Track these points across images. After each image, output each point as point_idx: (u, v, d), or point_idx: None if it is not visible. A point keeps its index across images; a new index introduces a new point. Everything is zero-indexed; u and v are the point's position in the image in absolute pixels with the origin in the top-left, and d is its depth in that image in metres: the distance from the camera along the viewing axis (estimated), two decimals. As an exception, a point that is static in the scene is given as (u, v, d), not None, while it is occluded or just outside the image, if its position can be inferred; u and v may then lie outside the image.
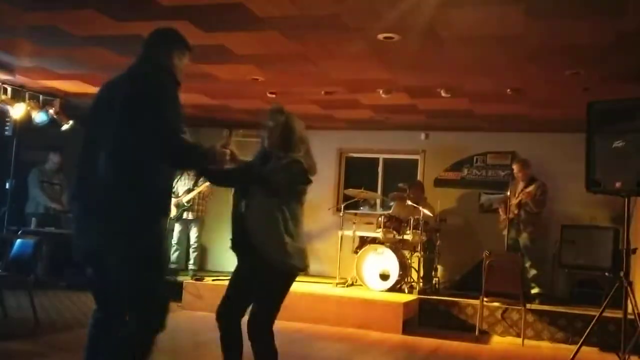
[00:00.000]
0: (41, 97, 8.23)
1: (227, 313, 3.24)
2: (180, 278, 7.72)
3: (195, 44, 5.59)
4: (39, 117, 8.12)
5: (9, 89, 7.85)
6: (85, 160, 2.85)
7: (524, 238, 7.36)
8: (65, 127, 8.43)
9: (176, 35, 3.15)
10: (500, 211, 7.71)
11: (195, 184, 8.07)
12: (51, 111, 8.24)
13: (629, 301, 5.26)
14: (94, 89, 7.70)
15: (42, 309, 6.09)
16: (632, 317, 5.27)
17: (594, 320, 5.43)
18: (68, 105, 8.58)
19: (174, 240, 8.25)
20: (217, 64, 6.27)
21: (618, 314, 5.48)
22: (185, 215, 8.13)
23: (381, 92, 6.94)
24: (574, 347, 5.43)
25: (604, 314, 5.46)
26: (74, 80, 7.35)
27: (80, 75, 7.08)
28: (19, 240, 5.79)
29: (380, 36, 5.01)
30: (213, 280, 7.50)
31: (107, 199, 2.70)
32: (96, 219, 2.75)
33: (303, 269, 3.25)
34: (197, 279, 7.51)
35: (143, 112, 2.72)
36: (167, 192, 2.95)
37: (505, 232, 7.42)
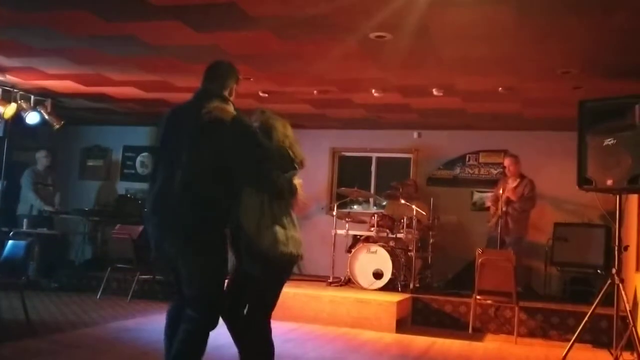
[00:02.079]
0: (32, 97, 8.20)
1: (230, 310, 3.30)
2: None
3: (187, 44, 5.62)
4: (30, 117, 8.09)
5: (0, 90, 7.81)
6: (166, 178, 3.26)
7: (510, 237, 7.39)
8: (57, 127, 8.41)
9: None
10: (491, 208, 7.75)
11: None
12: (43, 111, 8.21)
13: (620, 298, 5.29)
14: (85, 89, 7.70)
15: (34, 310, 6.07)
16: (624, 314, 5.30)
17: (586, 318, 5.46)
18: (60, 105, 8.56)
19: None
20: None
21: (610, 311, 5.51)
22: None
23: (374, 91, 6.95)
24: (567, 344, 5.47)
25: (596, 311, 5.49)
26: (65, 80, 7.31)
27: (72, 75, 7.05)
28: (10, 242, 5.75)
29: (372, 35, 5.01)
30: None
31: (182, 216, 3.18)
32: (171, 231, 3.23)
33: (296, 256, 3.26)
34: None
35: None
36: (228, 209, 3.25)
37: (495, 229, 7.45)
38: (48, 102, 8.31)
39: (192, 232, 3.16)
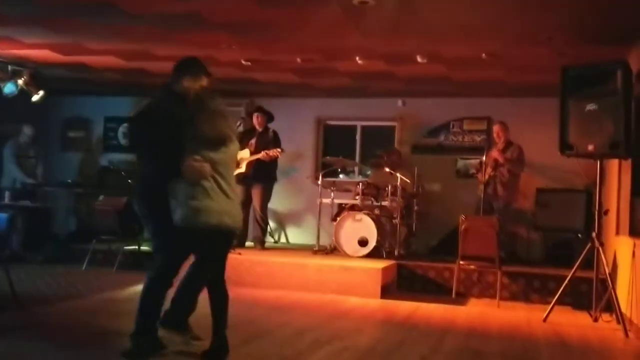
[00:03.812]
0: (10, 67, 8.03)
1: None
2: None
3: (168, 12, 5.52)
4: (7, 88, 7.94)
5: (-24, 60, 7.65)
6: None
7: (498, 202, 7.47)
8: (35, 98, 8.27)
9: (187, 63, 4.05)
10: (478, 175, 7.81)
11: None
12: (20, 82, 8.05)
13: (600, 261, 5.40)
14: (64, 59, 7.56)
15: (20, 284, 6.04)
16: (604, 276, 5.42)
17: (566, 281, 5.58)
18: (38, 75, 8.40)
19: None
20: (191, 32, 6.17)
21: (590, 274, 5.63)
22: None
23: (358, 58, 6.90)
24: (548, 307, 5.59)
25: (577, 274, 5.61)
26: (43, 49, 7.17)
27: (50, 44, 6.92)
28: (-8, 215, 5.71)
29: (355, 1, 4.96)
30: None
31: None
32: None
33: (206, 226, 3.54)
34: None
35: None
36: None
37: (481, 195, 7.53)
38: (26, 72, 8.15)
39: None
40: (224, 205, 3.59)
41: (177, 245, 3.69)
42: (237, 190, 3.89)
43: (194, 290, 3.91)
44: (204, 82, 3.95)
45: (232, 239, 3.89)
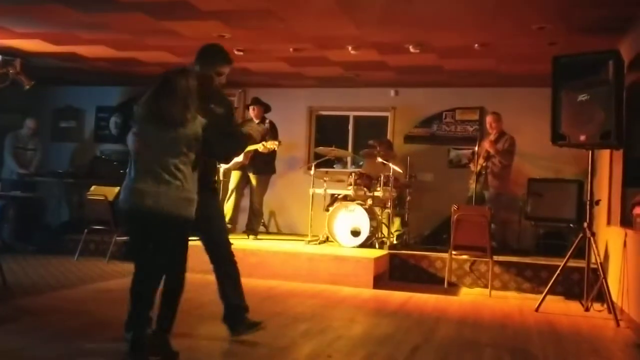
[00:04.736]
0: (0, 57, 7.95)
1: None
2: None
3: (160, 1, 5.48)
4: (-2, 78, 7.87)
5: (-35, 49, 7.57)
6: None
7: (489, 192, 7.50)
8: (27, 87, 8.20)
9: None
10: (471, 165, 7.82)
11: None
12: (11, 71, 7.98)
13: (591, 251, 5.43)
14: (55, 48, 7.50)
15: (11, 273, 6.03)
16: (595, 266, 5.45)
17: (558, 270, 5.61)
18: (29, 65, 8.32)
19: None
20: (182, 21, 6.13)
21: (582, 264, 5.66)
22: None
23: (350, 48, 6.88)
24: (540, 297, 5.62)
25: (568, 264, 5.64)
26: (34, 39, 7.11)
27: (41, 34, 6.86)
28: (-17, 205, 5.68)
29: (348, -10, 4.94)
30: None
31: None
32: None
33: (126, 208, 3.47)
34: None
35: None
36: None
37: (472, 186, 7.55)
38: (17, 62, 8.06)
39: None
40: (145, 187, 3.40)
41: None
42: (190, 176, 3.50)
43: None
44: (198, 68, 3.87)
45: (155, 221, 3.46)
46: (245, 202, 8.22)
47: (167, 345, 3.45)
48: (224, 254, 3.97)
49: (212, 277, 3.97)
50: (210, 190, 3.94)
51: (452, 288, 6.64)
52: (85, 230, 7.62)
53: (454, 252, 6.54)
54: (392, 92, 9.30)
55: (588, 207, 5.58)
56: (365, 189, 7.71)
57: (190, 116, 3.46)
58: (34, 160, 8.94)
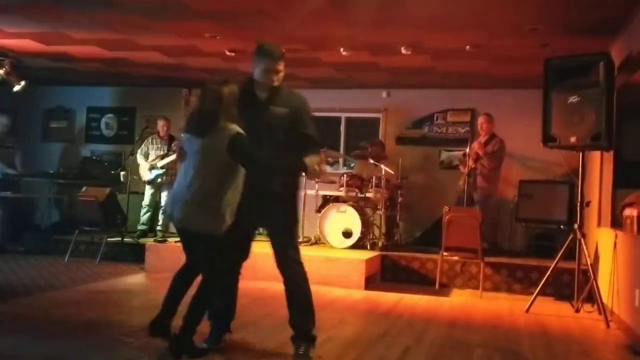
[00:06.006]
0: (-9, 57, 7.90)
1: None
2: (144, 240, 7.70)
3: (152, 0, 5.45)
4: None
5: (-45, 49, 7.51)
6: None
7: (478, 193, 7.51)
8: (17, 88, 8.15)
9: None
10: (461, 167, 7.84)
11: (170, 150, 8.02)
12: (1, 72, 7.93)
13: (582, 252, 5.45)
14: (46, 48, 7.45)
15: (1, 275, 5.99)
16: (585, 267, 5.47)
17: (548, 271, 5.63)
18: (20, 65, 8.28)
19: (145, 202, 8.23)
20: (174, 21, 6.11)
21: (572, 265, 5.69)
22: (158, 179, 8.11)
23: (342, 49, 6.88)
24: (530, 298, 5.64)
25: (559, 265, 5.66)
26: (25, 39, 7.06)
27: (31, 34, 6.81)
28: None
29: (340, -9, 4.94)
30: (176, 242, 7.44)
31: None
32: None
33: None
34: (160, 241, 7.47)
35: None
36: None
37: (463, 187, 7.56)
38: (7, 62, 8.01)
39: None
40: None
41: None
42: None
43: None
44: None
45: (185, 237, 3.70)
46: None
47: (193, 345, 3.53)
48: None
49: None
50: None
51: (443, 289, 6.65)
52: (76, 231, 7.58)
53: (445, 254, 6.56)
54: (384, 94, 9.31)
55: (578, 208, 5.60)
56: (356, 190, 7.71)
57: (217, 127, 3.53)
58: (16, 159, 8.84)
